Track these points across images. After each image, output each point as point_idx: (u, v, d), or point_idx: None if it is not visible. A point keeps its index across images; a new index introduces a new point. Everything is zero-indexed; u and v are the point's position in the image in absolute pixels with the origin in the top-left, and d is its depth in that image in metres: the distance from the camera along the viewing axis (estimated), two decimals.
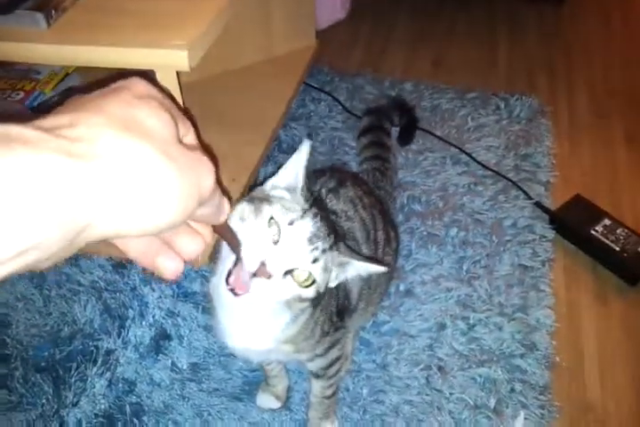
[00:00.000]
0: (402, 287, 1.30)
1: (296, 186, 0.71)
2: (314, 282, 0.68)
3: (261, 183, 0.75)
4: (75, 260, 1.29)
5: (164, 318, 1.21)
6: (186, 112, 0.43)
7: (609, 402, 1.16)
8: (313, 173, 1.01)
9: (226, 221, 0.50)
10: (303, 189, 0.71)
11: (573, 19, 2.19)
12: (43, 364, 1.12)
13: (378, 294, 1.08)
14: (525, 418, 1.10)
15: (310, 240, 0.67)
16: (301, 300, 0.70)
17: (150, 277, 1.26)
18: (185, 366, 1.14)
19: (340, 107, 1.76)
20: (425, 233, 1.42)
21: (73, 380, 1.09)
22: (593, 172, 1.61)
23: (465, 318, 1.25)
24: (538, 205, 1.48)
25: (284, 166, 0.73)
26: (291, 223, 0.67)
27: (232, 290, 0.66)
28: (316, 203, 0.72)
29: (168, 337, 1.18)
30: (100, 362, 1.12)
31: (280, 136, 1.65)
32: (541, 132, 1.71)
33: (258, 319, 0.78)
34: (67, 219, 0.31)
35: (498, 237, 1.41)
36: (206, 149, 0.41)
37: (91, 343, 1.15)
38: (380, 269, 0.75)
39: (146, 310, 1.21)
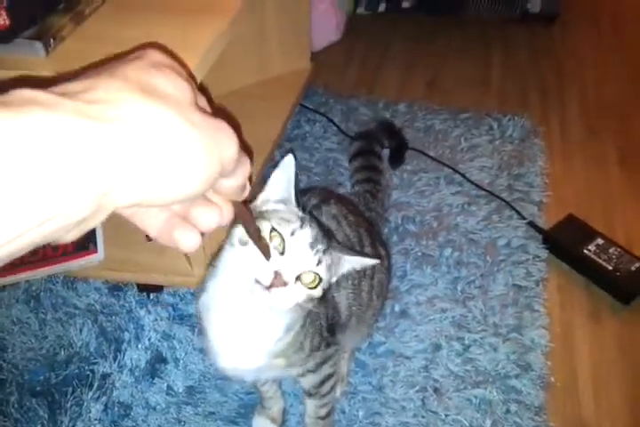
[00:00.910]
0: (397, 308, 1.30)
1: (289, 197, 0.75)
2: (320, 282, 0.73)
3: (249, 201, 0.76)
4: (71, 283, 1.29)
5: (159, 340, 1.21)
6: (202, 88, 0.42)
7: (604, 421, 1.16)
8: (302, 192, 1.03)
9: (245, 206, 0.50)
10: (297, 198, 0.75)
11: (565, 37, 2.22)
12: (38, 388, 1.12)
13: (371, 313, 1.09)
14: None
15: (312, 245, 0.72)
16: (310, 301, 0.74)
17: (146, 299, 1.27)
18: (181, 390, 1.15)
19: (335, 128, 1.77)
20: (419, 253, 1.43)
21: (69, 404, 1.09)
22: (586, 191, 1.63)
23: (460, 338, 1.25)
24: (531, 224, 1.49)
25: (268, 182, 0.75)
26: (292, 233, 0.71)
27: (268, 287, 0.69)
28: (304, 209, 0.76)
29: (164, 360, 1.18)
30: (95, 386, 1.12)
31: (276, 157, 1.67)
32: (534, 151, 1.73)
33: (249, 333, 0.80)
34: (88, 183, 0.30)
35: (492, 257, 1.42)
36: (228, 118, 0.39)
37: (87, 367, 1.15)
38: (371, 261, 0.80)
39: (142, 332, 1.21)
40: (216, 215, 0.42)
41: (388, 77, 2.01)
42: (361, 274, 1.00)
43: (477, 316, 1.30)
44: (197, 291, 0.89)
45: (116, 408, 1.10)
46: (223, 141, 0.37)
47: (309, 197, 1.01)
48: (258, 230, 0.64)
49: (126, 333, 1.21)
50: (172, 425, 1.09)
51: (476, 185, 1.60)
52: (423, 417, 1.13)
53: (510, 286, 1.36)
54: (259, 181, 1.51)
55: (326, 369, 0.94)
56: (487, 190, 1.58)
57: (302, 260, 0.71)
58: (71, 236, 0.32)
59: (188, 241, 0.41)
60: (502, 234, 1.48)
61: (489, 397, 1.16)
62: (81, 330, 1.21)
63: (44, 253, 1.20)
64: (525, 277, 1.38)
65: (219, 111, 0.42)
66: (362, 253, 0.82)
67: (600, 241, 1.42)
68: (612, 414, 1.17)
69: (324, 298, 0.79)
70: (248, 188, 0.45)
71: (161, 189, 0.34)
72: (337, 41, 2.13)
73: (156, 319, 1.24)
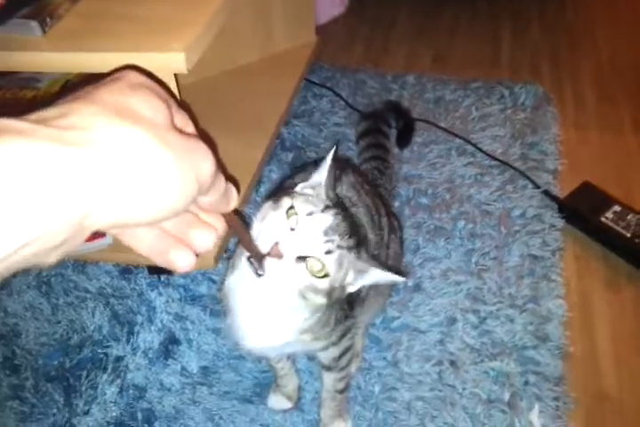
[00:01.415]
0: (410, 282, 1.29)
1: (320, 181, 0.74)
2: (327, 275, 0.69)
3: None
4: (81, 267, 1.29)
5: (172, 322, 1.20)
6: (183, 105, 0.43)
7: (625, 390, 1.14)
8: (314, 163, 1.03)
9: (236, 215, 0.51)
10: (327, 185, 0.74)
11: (577, 6, 2.15)
12: (53, 373, 1.12)
13: (387, 284, 1.08)
14: (540, 411, 1.08)
15: (326, 232, 0.69)
16: (315, 291, 0.71)
17: (157, 281, 1.26)
18: (195, 370, 1.14)
19: (343, 102, 1.74)
20: (432, 227, 1.40)
21: (84, 388, 1.10)
22: (601, 157, 1.59)
23: (475, 311, 1.23)
24: (546, 193, 1.46)
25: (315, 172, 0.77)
26: (310, 214, 0.69)
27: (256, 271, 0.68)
28: (339, 205, 0.74)
29: (177, 341, 1.18)
30: (110, 369, 1.12)
31: (283, 134, 1.65)
32: (547, 119, 1.69)
33: (277, 313, 0.79)
34: (65, 207, 0.30)
35: (506, 227, 1.39)
36: (205, 138, 0.41)
37: (100, 351, 1.15)
38: (400, 279, 0.74)
39: (154, 314, 1.21)
40: (212, 236, 0.44)
41: (396, 51, 1.97)
42: (379, 244, 0.99)
43: (493, 287, 1.27)
44: (225, 272, 0.89)
45: (130, 390, 1.10)
46: (199, 161, 0.38)
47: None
48: (251, 240, 0.65)
49: (138, 315, 1.20)
50: (188, 406, 1.09)
51: (489, 155, 1.56)
52: (440, 391, 1.12)
53: (526, 257, 1.33)
54: (265, 161, 1.49)
55: (346, 342, 0.93)
56: (500, 160, 1.55)
57: (310, 242, 0.68)
58: (52, 258, 0.33)
59: (183, 262, 0.42)
60: (517, 204, 1.44)
61: (506, 369, 1.14)
62: (93, 314, 1.21)
63: None
64: (541, 247, 1.35)
65: (198, 131, 0.43)
66: (390, 268, 0.75)
67: (617, 208, 1.38)
68: (633, 381, 1.14)
69: (336, 299, 0.75)
70: (234, 199, 0.46)
71: (139, 210, 0.35)
72: (342, 14, 2.09)
73: (168, 301, 1.23)
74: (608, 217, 1.37)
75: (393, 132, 1.52)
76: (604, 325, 1.24)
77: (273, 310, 0.78)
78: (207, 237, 0.43)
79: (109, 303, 1.23)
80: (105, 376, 1.11)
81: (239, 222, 0.55)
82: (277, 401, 1.10)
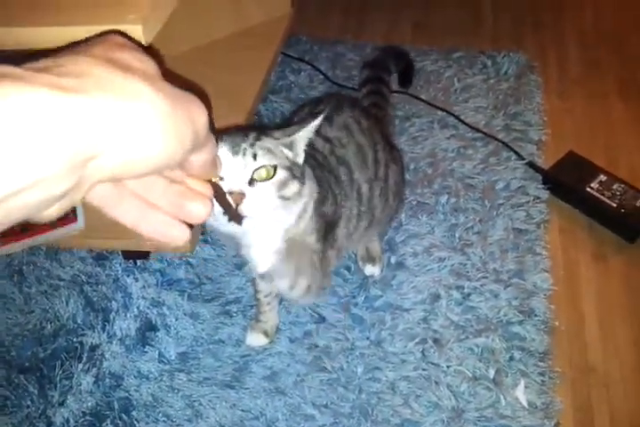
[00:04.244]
0: (393, 260, 1.26)
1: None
2: (274, 168, 0.78)
3: None
4: (54, 254, 1.25)
5: (148, 308, 1.17)
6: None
7: (611, 364, 1.12)
8: (311, 103, 1.10)
9: (217, 183, 0.53)
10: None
11: None
12: (26, 364, 1.10)
13: (387, 213, 1.14)
14: (526, 387, 1.07)
15: (234, 151, 0.77)
16: (284, 184, 0.79)
17: (133, 266, 1.23)
18: (173, 357, 1.12)
19: (322, 76, 1.69)
20: (414, 202, 1.37)
21: (58, 378, 1.07)
22: (586, 127, 1.55)
23: (459, 287, 1.21)
24: (530, 164, 1.43)
25: None
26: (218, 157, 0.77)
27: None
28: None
29: (154, 328, 1.15)
30: (85, 358, 1.09)
31: (260, 111, 1.60)
32: (531, 88, 1.64)
33: (267, 226, 0.85)
34: (67, 150, 0.30)
35: (490, 201, 1.36)
36: (200, 95, 0.40)
37: (75, 339, 1.12)
38: (315, 122, 0.82)
39: (130, 301, 1.18)
40: (208, 206, 0.43)
41: (374, 21, 1.91)
42: (374, 179, 1.06)
43: (477, 263, 1.25)
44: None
45: (107, 379, 1.08)
46: (194, 110, 0.38)
47: (323, 107, 1.04)
48: (229, 203, 0.69)
49: (114, 302, 1.17)
50: (166, 393, 1.07)
51: (472, 127, 1.52)
52: (424, 370, 1.10)
53: (510, 230, 1.30)
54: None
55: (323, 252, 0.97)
56: (483, 132, 1.51)
57: (237, 166, 0.76)
58: (53, 212, 0.33)
59: (180, 234, 0.43)
60: (500, 176, 1.41)
61: (491, 345, 1.12)
62: (67, 302, 1.17)
63: (21, 225, 1.16)
64: (526, 220, 1.32)
65: (191, 86, 0.42)
66: (300, 125, 0.83)
67: (603, 178, 1.35)
68: (619, 355, 1.13)
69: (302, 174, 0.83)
70: (220, 164, 0.48)
71: (138, 157, 0.34)
72: None
73: (144, 286, 1.20)
74: (593, 187, 1.34)
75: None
76: (590, 297, 1.22)
77: (263, 226, 0.84)
78: (203, 207, 0.43)
79: (83, 291, 1.19)
80: (80, 366, 1.08)
81: (220, 189, 0.57)
82: (255, 338, 1.13)
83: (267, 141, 0.80)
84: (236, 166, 0.76)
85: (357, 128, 1.06)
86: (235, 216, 0.73)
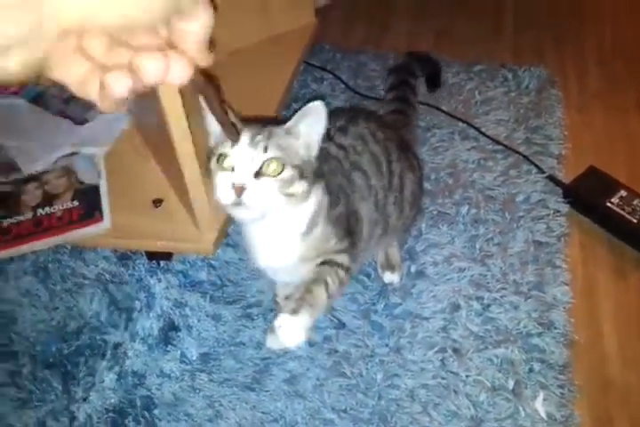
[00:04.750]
0: (413, 269, 1.27)
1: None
2: (283, 166, 0.81)
3: None
4: (79, 253, 1.27)
5: (171, 308, 1.18)
6: None
7: (630, 378, 1.12)
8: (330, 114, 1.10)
9: (212, 84, 0.50)
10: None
11: None
12: (51, 360, 1.11)
13: (402, 222, 1.15)
14: (545, 399, 1.07)
15: (251, 142, 0.80)
16: (290, 182, 0.81)
17: (156, 267, 1.24)
18: (195, 357, 1.12)
19: (343, 86, 1.71)
20: (435, 212, 1.38)
21: (82, 375, 1.08)
22: (606, 141, 1.55)
23: (479, 297, 1.22)
24: (550, 178, 1.43)
25: None
26: (232, 146, 0.80)
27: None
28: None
29: (176, 328, 1.16)
30: (108, 356, 1.10)
31: (284, 118, 1.61)
32: (552, 103, 1.65)
33: (278, 233, 0.90)
34: None
35: (510, 213, 1.37)
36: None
37: (98, 337, 1.13)
38: (314, 103, 0.84)
39: (153, 301, 1.19)
40: (161, 64, 0.38)
41: (396, 31, 1.93)
42: (388, 189, 1.07)
43: (497, 274, 1.25)
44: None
45: (129, 377, 1.09)
46: None
47: (338, 119, 1.06)
48: (224, 111, 0.62)
49: (137, 301, 1.19)
50: (187, 393, 1.08)
51: (493, 139, 1.54)
52: (443, 378, 1.10)
53: (530, 243, 1.31)
54: None
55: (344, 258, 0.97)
56: (504, 144, 1.52)
57: (247, 158, 0.79)
58: (14, 64, 0.30)
59: (118, 84, 0.37)
60: (521, 189, 1.42)
61: (511, 356, 1.12)
62: (91, 300, 1.19)
63: (48, 224, 1.18)
64: (546, 232, 1.33)
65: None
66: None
67: (623, 193, 1.36)
68: (637, 368, 1.13)
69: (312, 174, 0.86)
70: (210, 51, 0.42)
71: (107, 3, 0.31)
72: None
73: (167, 287, 1.21)
74: (614, 202, 1.35)
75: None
76: (610, 312, 1.22)
77: (274, 230, 0.90)
78: (156, 63, 0.37)
79: (107, 289, 1.21)
80: (103, 363, 1.10)
81: (212, 89, 0.52)
82: (275, 340, 1.09)
83: (281, 137, 0.83)
84: (247, 157, 0.80)
85: (372, 139, 1.07)
86: (229, 130, 0.68)
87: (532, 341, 1.15)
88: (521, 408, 1.06)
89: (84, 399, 1.05)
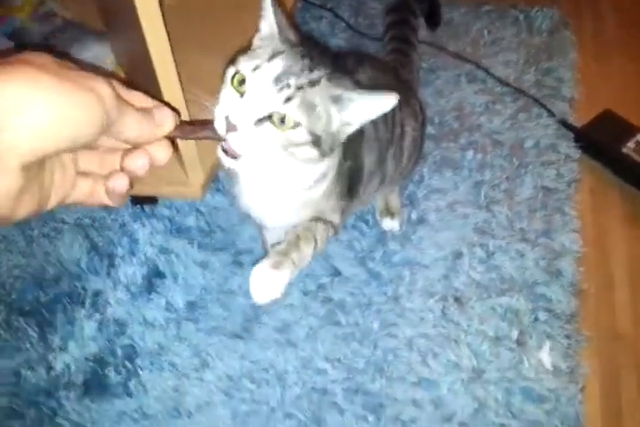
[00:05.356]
0: (414, 215, 1.20)
1: (271, 31, 0.70)
2: (298, 124, 0.65)
3: None
4: None
5: (156, 255, 1.12)
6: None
7: None
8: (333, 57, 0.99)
9: (182, 123, 0.53)
10: (280, 27, 0.69)
11: None
12: (27, 307, 1.05)
13: (398, 172, 1.07)
14: (551, 349, 1.01)
15: (278, 79, 0.64)
16: (297, 145, 0.66)
17: (141, 212, 1.17)
18: (180, 305, 1.06)
19: (344, 24, 1.61)
20: (439, 157, 1.30)
21: (60, 323, 1.02)
22: (622, 85, 1.46)
23: (483, 245, 1.15)
24: (562, 122, 1.35)
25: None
26: (255, 69, 0.65)
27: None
28: (305, 43, 0.70)
29: (161, 275, 1.10)
30: (88, 304, 1.05)
31: None
32: (565, 44, 1.55)
33: (279, 183, 0.78)
34: None
35: (518, 158, 1.29)
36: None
37: (78, 284, 1.07)
38: (389, 97, 0.67)
39: (136, 247, 1.12)
40: (145, 159, 0.49)
41: None
42: (389, 139, 0.98)
43: (503, 221, 1.18)
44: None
45: (111, 326, 1.03)
46: (97, 85, 0.42)
47: (343, 64, 0.95)
48: (215, 132, 0.63)
49: (119, 247, 1.12)
50: (172, 342, 1.02)
51: (501, 81, 1.44)
52: (444, 328, 1.04)
53: (539, 189, 1.23)
54: None
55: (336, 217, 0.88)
56: (513, 87, 1.43)
57: (260, 98, 0.63)
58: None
59: (120, 185, 0.49)
60: (530, 133, 1.34)
61: (515, 305, 1.06)
62: (71, 246, 1.12)
63: None
64: (555, 178, 1.25)
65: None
66: (373, 90, 0.69)
67: None
68: None
69: (331, 147, 0.71)
70: (166, 124, 0.50)
71: (50, 128, 0.38)
72: None
73: (152, 233, 1.14)
74: (630, 147, 1.26)
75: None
76: (621, 260, 1.16)
77: (275, 179, 0.77)
78: (142, 159, 0.49)
79: (88, 235, 1.14)
80: (83, 311, 1.04)
81: (190, 127, 0.57)
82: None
83: (321, 96, 0.66)
84: (260, 93, 0.64)
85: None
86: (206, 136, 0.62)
87: (538, 290, 1.08)
88: (525, 359, 1.00)
89: (62, 348, 0.99)
